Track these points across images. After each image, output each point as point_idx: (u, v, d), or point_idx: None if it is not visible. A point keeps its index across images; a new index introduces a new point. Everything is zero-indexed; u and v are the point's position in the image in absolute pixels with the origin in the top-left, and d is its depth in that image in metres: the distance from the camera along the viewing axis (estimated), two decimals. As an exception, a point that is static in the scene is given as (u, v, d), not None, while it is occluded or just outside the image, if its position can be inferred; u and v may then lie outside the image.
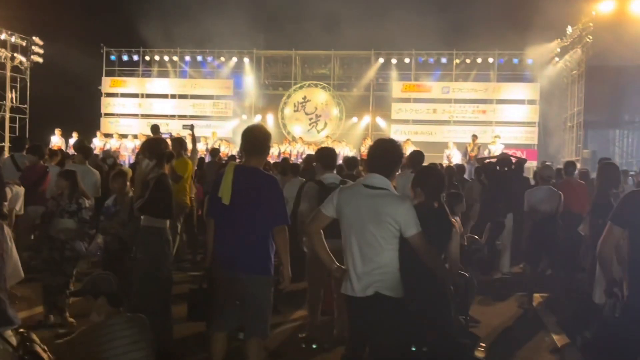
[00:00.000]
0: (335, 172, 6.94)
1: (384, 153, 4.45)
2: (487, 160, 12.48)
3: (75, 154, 11.04)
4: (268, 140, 5.14)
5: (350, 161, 11.15)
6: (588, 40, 24.31)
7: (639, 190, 4.46)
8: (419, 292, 4.34)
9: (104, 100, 30.40)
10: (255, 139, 5.06)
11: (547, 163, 12.83)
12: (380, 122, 29.24)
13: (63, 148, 20.44)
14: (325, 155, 7.02)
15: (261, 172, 4.99)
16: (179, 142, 10.36)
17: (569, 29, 25.83)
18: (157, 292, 5.82)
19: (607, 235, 4.35)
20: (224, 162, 13.75)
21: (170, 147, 7.93)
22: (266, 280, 4.96)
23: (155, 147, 6.09)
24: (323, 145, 15.24)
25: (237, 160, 12.63)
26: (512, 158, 11.69)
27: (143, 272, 5.80)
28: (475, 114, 28.16)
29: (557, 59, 27.88)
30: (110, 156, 13.89)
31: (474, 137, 22.38)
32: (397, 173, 10.56)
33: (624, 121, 26.15)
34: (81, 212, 7.03)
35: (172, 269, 6.13)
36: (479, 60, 27.78)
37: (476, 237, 7.26)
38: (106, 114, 30.39)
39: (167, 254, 5.97)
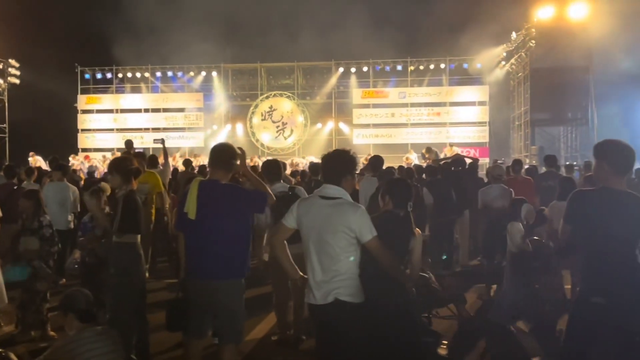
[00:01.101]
0: (282, 181, 6.83)
1: (334, 164, 4.38)
2: (443, 161, 12.50)
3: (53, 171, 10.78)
4: (231, 155, 5.01)
5: (314, 167, 11.10)
6: (531, 44, 24.68)
7: (582, 190, 4.43)
8: (381, 294, 4.28)
9: (80, 117, 30.09)
10: (218, 154, 4.96)
11: (498, 162, 12.92)
12: (343, 127, 29.30)
13: (44, 165, 20.03)
14: (270, 168, 6.93)
15: (221, 183, 4.87)
16: (140, 156, 10.21)
17: (513, 35, 26.18)
18: (131, 305, 5.67)
19: (563, 233, 4.36)
20: (196, 172, 13.55)
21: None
22: (236, 284, 4.85)
23: (120, 164, 5.93)
24: (268, 159, 15.06)
25: (208, 170, 12.48)
26: (465, 158, 11.72)
27: (116, 286, 5.65)
28: (430, 117, 28.31)
29: (503, 62, 28.24)
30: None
31: (427, 150, 22.22)
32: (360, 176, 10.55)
33: (567, 118, 26.54)
34: (42, 230, 6.86)
35: (145, 281, 5.95)
36: (432, 66, 28.04)
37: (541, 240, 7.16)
38: (83, 130, 30.08)
39: (139, 268, 5.80)
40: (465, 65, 27.80)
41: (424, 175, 11.54)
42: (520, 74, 27.24)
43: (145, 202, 9.42)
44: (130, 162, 6.01)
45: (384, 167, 10.11)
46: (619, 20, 21.76)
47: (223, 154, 4.95)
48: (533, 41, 24.52)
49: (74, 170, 14.90)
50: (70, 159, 23.90)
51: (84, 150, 28.72)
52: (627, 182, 4.17)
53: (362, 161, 22.38)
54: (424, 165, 19.73)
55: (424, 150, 21.48)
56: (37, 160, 21.47)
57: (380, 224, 4.26)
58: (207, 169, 5.75)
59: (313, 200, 4.34)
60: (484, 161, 24.84)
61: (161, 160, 11.68)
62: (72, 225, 9.60)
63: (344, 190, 4.29)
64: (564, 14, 23.65)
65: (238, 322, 4.90)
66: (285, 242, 4.45)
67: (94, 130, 30.25)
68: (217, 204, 4.75)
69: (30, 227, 6.85)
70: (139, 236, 5.79)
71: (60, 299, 4.30)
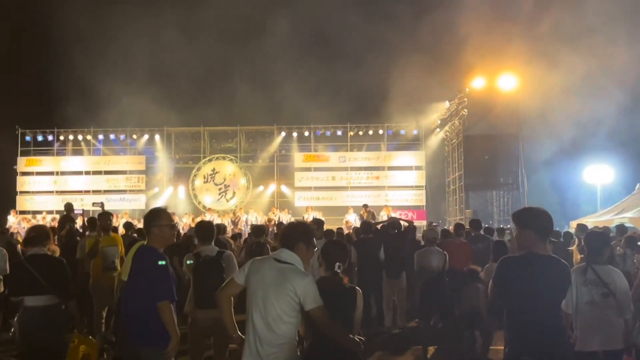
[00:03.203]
0: (212, 244, 6.70)
1: (291, 230, 4.47)
2: (381, 225, 12.71)
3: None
4: (152, 220, 4.99)
5: (256, 229, 11.11)
6: (464, 113, 25.64)
7: (510, 256, 4.66)
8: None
9: (20, 179, 29.41)
10: (145, 221, 5.02)
11: (433, 224, 13.22)
12: (285, 189, 29.44)
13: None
14: (203, 229, 6.79)
15: (154, 252, 4.87)
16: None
17: (447, 104, 27.12)
18: None
19: (491, 293, 4.63)
20: (135, 236, 13.39)
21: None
22: (155, 351, 4.81)
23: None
24: (202, 219, 14.87)
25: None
26: (401, 221, 11.96)
27: (23, 352, 5.53)
28: (369, 180, 28.77)
29: (438, 129, 29.17)
30: None
31: (365, 206, 22.67)
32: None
33: (499, 183, 27.30)
34: None
35: (50, 346, 5.74)
36: (371, 132, 28.59)
37: None
38: (21, 192, 29.34)
39: (45, 335, 5.65)
40: (402, 132, 28.49)
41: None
42: (454, 141, 28.10)
43: (114, 266, 9.16)
44: (33, 230, 6.04)
45: (324, 229, 10.26)
46: (546, 91, 22.93)
47: (147, 219, 5.01)
48: (466, 110, 25.50)
49: (12, 234, 14.51)
50: (10, 216, 23.35)
51: (22, 212, 27.99)
52: (553, 245, 4.45)
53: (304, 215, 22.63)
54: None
55: (362, 208, 21.91)
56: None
57: (320, 292, 4.33)
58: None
59: (267, 261, 4.37)
60: (421, 223, 25.39)
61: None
62: (1, 288, 9.34)
63: (298, 258, 4.33)
64: (494, 85, 24.81)
65: None
66: (231, 299, 4.49)
67: (33, 192, 29.55)
68: (144, 269, 4.78)
69: None
70: (41, 299, 5.74)
71: None
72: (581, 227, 13.17)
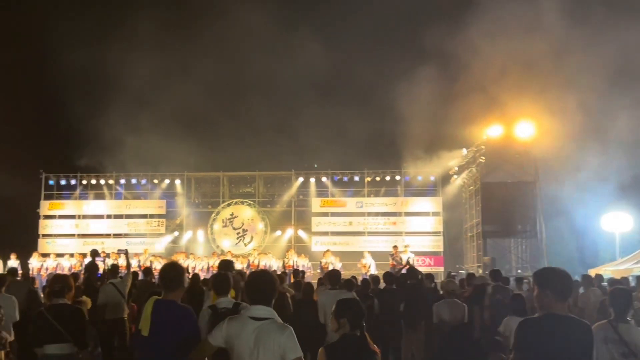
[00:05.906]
0: (229, 296, 6.49)
1: (262, 285, 4.43)
2: (401, 272, 12.64)
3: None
4: (180, 276, 5.10)
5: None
6: (481, 160, 25.58)
7: (529, 318, 4.58)
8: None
9: (42, 222, 29.66)
10: (167, 276, 5.07)
11: (452, 274, 13.08)
12: (302, 234, 29.43)
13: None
14: (219, 281, 6.59)
15: (177, 305, 4.93)
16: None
17: (464, 151, 27.13)
18: None
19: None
20: (155, 281, 13.39)
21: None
22: None
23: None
24: (219, 272, 14.73)
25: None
26: (418, 269, 11.89)
27: None
28: (386, 225, 28.66)
29: (455, 176, 29.10)
30: None
31: (395, 247, 22.54)
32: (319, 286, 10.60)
33: (517, 231, 26.99)
34: None
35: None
36: (388, 177, 28.59)
37: None
38: (44, 235, 29.56)
39: None
40: (419, 178, 28.42)
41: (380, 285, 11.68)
42: (471, 187, 27.99)
43: None
44: (56, 281, 6.24)
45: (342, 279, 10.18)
46: (562, 139, 22.89)
47: (169, 276, 5.06)
48: (483, 157, 25.46)
49: (33, 278, 14.62)
50: (33, 259, 23.52)
51: (44, 255, 28.18)
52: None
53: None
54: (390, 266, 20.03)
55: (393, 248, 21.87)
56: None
57: (342, 350, 4.29)
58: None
59: (243, 321, 4.34)
60: (439, 270, 25.23)
61: (123, 269, 11.58)
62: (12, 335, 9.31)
63: (272, 310, 4.36)
64: (511, 133, 24.81)
65: None
66: None
67: (55, 235, 29.79)
68: (169, 323, 4.81)
69: None
70: (60, 347, 5.89)
71: None
72: (586, 278, 12.42)
